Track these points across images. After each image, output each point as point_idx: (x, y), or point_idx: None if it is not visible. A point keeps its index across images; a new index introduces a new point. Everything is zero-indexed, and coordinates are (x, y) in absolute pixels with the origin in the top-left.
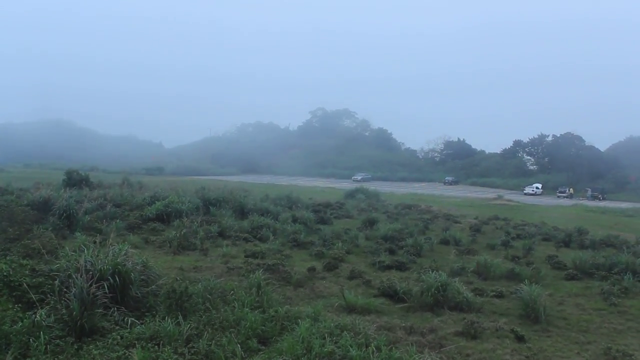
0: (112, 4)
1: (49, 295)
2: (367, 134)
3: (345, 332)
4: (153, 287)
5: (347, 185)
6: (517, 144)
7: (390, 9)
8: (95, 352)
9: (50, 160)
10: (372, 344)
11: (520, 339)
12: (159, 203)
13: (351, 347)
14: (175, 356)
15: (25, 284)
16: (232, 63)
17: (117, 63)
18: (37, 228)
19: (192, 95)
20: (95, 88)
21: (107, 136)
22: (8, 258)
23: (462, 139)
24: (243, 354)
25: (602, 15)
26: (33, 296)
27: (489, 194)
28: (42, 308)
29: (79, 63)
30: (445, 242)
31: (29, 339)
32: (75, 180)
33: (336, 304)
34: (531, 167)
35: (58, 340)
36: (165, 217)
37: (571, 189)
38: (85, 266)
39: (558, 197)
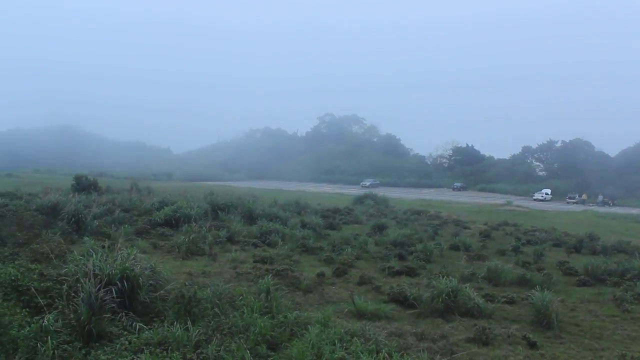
0: (121, 11)
1: (57, 300)
2: (375, 140)
3: (355, 338)
4: (161, 292)
5: (355, 191)
6: (526, 149)
7: (398, 8)
8: (103, 357)
9: (59, 166)
10: (383, 351)
11: (532, 345)
12: (168, 208)
13: (362, 353)
14: None
15: (33, 289)
16: (241, 69)
17: (126, 70)
18: (46, 233)
19: (200, 101)
20: (104, 95)
21: (115, 142)
22: (16, 262)
23: (470, 145)
24: None
25: (613, 16)
26: (41, 301)
27: (498, 199)
28: (50, 313)
29: (88, 70)
30: (455, 247)
31: (37, 343)
32: (84, 185)
33: (346, 310)
34: (540, 173)
35: (66, 345)
36: (173, 222)
37: (585, 195)
38: (94, 271)
39: (568, 203)
